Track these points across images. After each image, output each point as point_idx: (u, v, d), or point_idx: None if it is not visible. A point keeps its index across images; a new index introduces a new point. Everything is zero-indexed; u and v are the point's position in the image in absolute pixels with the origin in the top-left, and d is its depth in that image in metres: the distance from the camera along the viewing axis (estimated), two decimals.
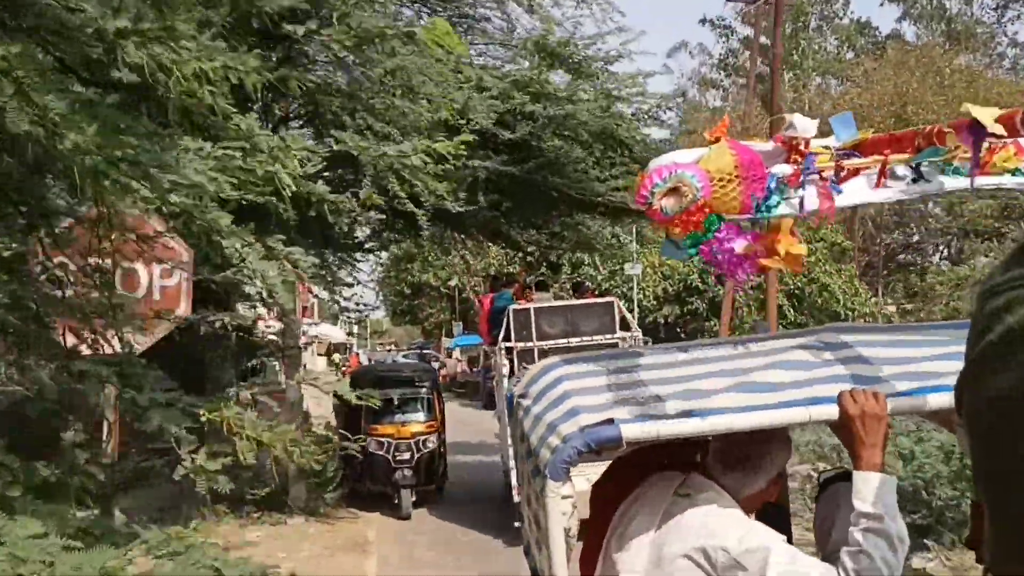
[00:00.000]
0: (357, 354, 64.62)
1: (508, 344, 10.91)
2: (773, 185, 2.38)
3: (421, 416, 13.19)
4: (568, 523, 2.13)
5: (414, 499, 12.48)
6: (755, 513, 2.44)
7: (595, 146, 10.65)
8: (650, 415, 2.12)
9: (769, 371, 2.29)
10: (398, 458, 12.23)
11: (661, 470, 2.50)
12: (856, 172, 2.44)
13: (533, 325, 11.00)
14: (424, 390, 13.53)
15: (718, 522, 2.25)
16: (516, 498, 9.73)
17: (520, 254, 30.65)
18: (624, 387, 2.31)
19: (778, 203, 2.39)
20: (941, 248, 34.55)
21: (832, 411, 2.12)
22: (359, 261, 13.05)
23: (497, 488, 12.38)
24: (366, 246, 12.90)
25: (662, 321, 25.31)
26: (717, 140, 2.44)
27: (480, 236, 13.75)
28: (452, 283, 50.81)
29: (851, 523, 2.12)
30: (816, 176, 2.40)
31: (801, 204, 2.40)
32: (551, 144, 10.47)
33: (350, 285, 13.05)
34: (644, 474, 2.52)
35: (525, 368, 3.24)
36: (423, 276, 52.45)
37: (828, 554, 2.31)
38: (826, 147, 2.46)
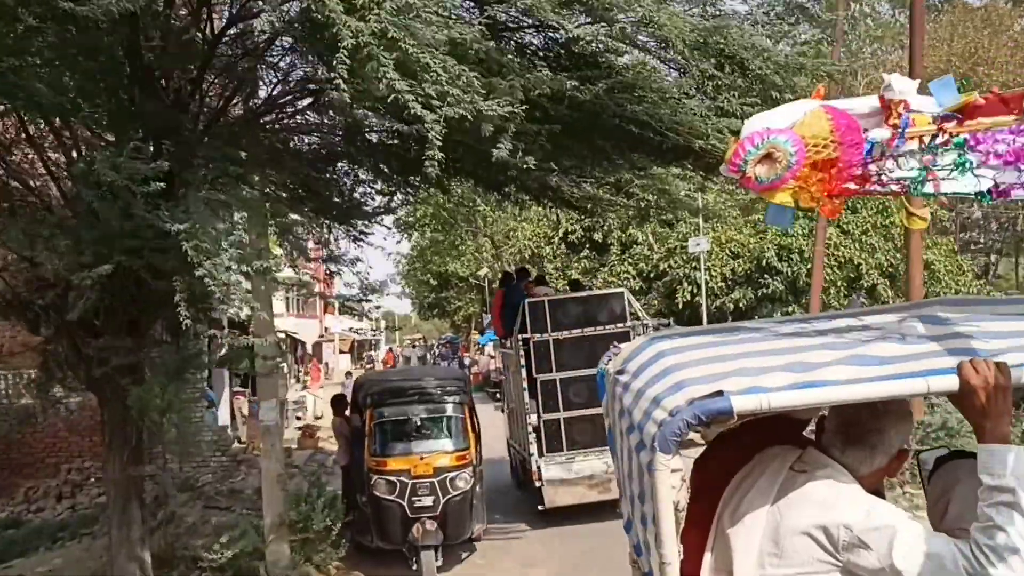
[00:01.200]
0: (390, 349, 61.34)
1: (524, 335, 11.69)
2: (870, 150, 2.32)
3: (448, 444, 10.02)
4: (677, 496, 2.08)
5: (439, 562, 9.25)
6: None
7: (694, 62, 7.29)
8: (759, 387, 2.06)
9: (879, 344, 2.22)
10: (416, 504, 9.15)
11: (768, 446, 2.41)
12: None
13: (548, 317, 11.76)
14: (452, 406, 10.25)
15: (839, 499, 2.17)
16: (537, 483, 11.24)
17: (561, 234, 27.17)
18: (729, 359, 2.24)
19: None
20: None
21: (952, 382, 2.04)
22: (365, 233, 9.83)
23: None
24: (371, 208, 9.69)
25: (731, 307, 21.90)
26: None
27: (522, 193, 10.29)
28: (482, 273, 47.58)
29: (980, 498, 2.02)
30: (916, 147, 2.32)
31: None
32: (629, 58, 7.16)
33: (352, 263, 10.23)
34: (750, 451, 2.42)
35: (616, 347, 2.88)
36: (450, 266, 49.26)
37: (944, 531, 2.22)
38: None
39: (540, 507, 11.54)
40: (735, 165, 2.30)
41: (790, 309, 22.08)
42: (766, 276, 21.81)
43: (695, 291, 22.32)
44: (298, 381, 33.89)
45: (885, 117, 2.34)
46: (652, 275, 23.57)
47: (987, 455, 2.05)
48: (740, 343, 2.38)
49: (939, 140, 2.31)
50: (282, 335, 26.55)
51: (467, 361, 43.70)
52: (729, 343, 2.39)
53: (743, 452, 2.48)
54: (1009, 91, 2.35)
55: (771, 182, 2.28)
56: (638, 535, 2.47)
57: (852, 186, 2.36)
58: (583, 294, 13.29)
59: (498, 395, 31.85)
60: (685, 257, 22.47)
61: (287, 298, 63.90)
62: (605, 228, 25.25)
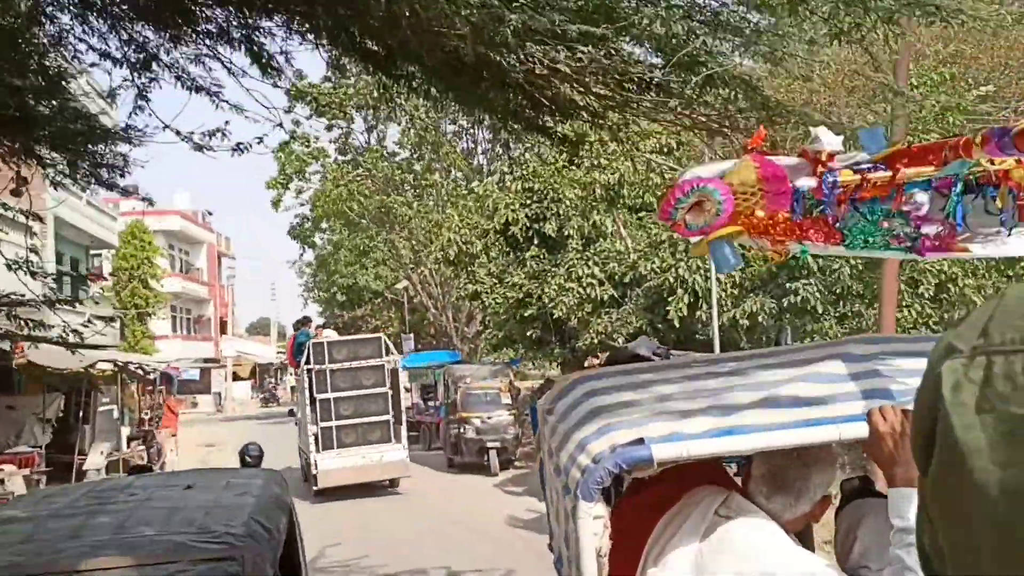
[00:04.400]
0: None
1: (308, 367, 16.93)
2: (797, 199, 2.44)
3: None
4: (599, 543, 2.13)
5: None
6: None
7: None
8: (680, 433, 2.10)
9: (799, 384, 2.26)
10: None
11: (693, 483, 2.45)
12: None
13: (326, 353, 17.09)
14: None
15: (760, 548, 2.20)
16: (314, 472, 16.88)
17: (499, 226, 19.26)
18: (653, 403, 2.28)
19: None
20: None
21: (862, 429, 2.11)
22: None
23: None
24: None
25: (744, 321, 15.40)
26: (751, 150, 2.51)
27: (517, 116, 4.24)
28: (400, 286, 40.42)
29: (891, 541, 2.11)
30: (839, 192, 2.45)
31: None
32: None
33: None
34: (676, 490, 2.45)
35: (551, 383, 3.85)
36: (360, 278, 42.10)
37: (849, 569, 2.36)
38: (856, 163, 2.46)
39: (314, 487, 16.84)
40: (666, 212, 2.43)
41: (826, 325, 15.61)
42: (796, 279, 15.29)
43: (695, 301, 15.61)
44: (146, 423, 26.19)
45: (812, 169, 2.44)
46: (627, 279, 16.72)
47: (897, 499, 2.12)
48: (666, 384, 2.36)
49: (862, 192, 2.45)
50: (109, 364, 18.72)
51: None
52: (655, 384, 2.37)
53: (668, 492, 2.43)
54: (930, 142, 2.55)
55: (700, 228, 2.40)
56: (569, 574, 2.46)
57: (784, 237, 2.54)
58: (352, 337, 19.17)
59: (418, 437, 25.03)
60: (677, 253, 15.78)
61: (174, 317, 56.09)
62: (560, 214, 18.43)
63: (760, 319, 15.71)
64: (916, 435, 0.92)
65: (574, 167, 19.45)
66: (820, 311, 15.58)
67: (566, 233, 18.83)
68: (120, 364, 20.02)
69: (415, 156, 32.89)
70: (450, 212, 22.35)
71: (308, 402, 17.04)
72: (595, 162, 18.64)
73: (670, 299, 16.57)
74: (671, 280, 16.33)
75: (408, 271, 33.79)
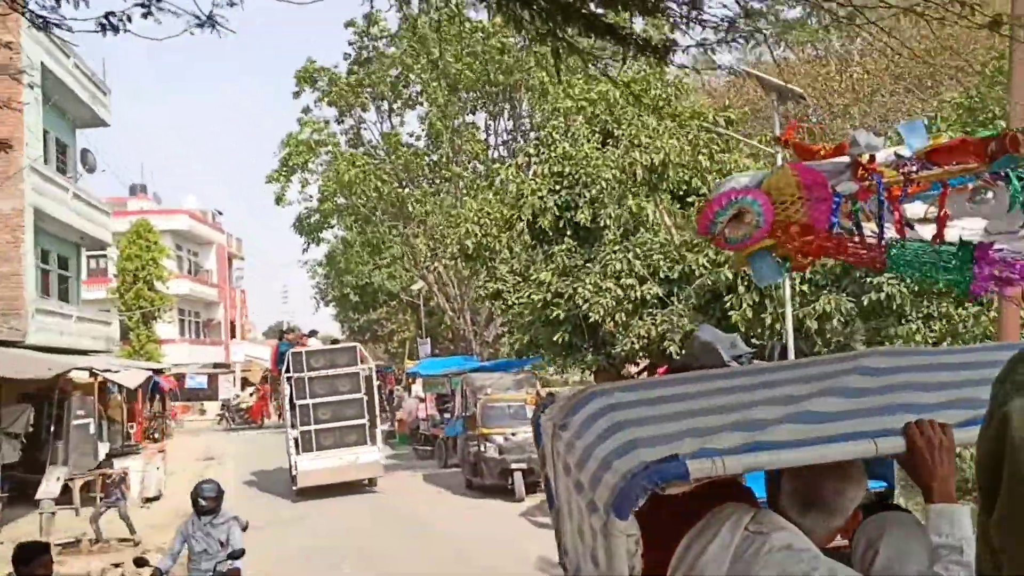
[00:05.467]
0: None
1: (288, 375, 18.21)
2: (839, 205, 2.41)
3: None
4: (633, 561, 2.09)
5: None
6: None
7: None
8: (712, 449, 2.05)
9: (821, 399, 2.25)
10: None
11: (713, 500, 2.41)
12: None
13: (305, 362, 18.31)
14: None
15: (798, 563, 2.14)
16: (293, 472, 18.20)
17: (527, 216, 17.28)
18: (677, 419, 2.25)
19: None
20: None
21: (899, 443, 2.10)
22: None
23: None
24: None
25: (814, 324, 13.12)
26: (786, 143, 2.65)
27: None
28: (416, 287, 38.14)
29: (931, 559, 2.12)
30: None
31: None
32: None
33: None
34: (697, 507, 2.40)
35: (552, 397, 3.11)
36: (375, 277, 39.85)
37: None
38: (898, 155, 2.46)
39: (294, 487, 18.15)
40: (705, 226, 2.41)
41: (911, 328, 13.23)
42: (878, 273, 12.79)
43: (760, 300, 13.20)
44: (146, 438, 24.08)
45: (853, 172, 2.41)
46: (674, 275, 14.30)
47: (936, 516, 2.12)
48: (687, 399, 2.36)
49: (909, 190, 2.42)
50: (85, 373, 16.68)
51: (395, 395, 34.12)
52: (676, 399, 2.36)
53: (690, 509, 2.38)
54: (975, 136, 2.45)
55: (741, 241, 2.40)
56: None
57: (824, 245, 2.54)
58: (329, 347, 20.43)
59: (432, 453, 22.67)
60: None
61: (182, 321, 54.06)
62: (594, 201, 16.09)
63: (834, 321, 13.26)
64: (982, 472, 1.00)
65: (609, 146, 17.06)
66: (907, 311, 13.13)
67: (601, 223, 16.43)
68: (97, 373, 17.82)
69: (432, 146, 30.61)
70: (468, 200, 20.00)
71: (288, 408, 18.73)
72: (634, 141, 16.25)
73: (727, 298, 14.16)
74: (727, 275, 13.91)
75: (424, 270, 31.44)
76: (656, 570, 2.37)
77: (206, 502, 7.99)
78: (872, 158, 2.39)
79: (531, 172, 18.08)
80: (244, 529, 8.43)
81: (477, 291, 21.11)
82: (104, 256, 47.16)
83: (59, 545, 12.75)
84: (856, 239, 2.50)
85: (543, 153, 17.33)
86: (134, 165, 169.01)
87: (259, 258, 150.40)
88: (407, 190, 27.99)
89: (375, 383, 20.00)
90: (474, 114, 31.36)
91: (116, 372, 18.38)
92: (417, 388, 23.28)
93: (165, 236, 46.25)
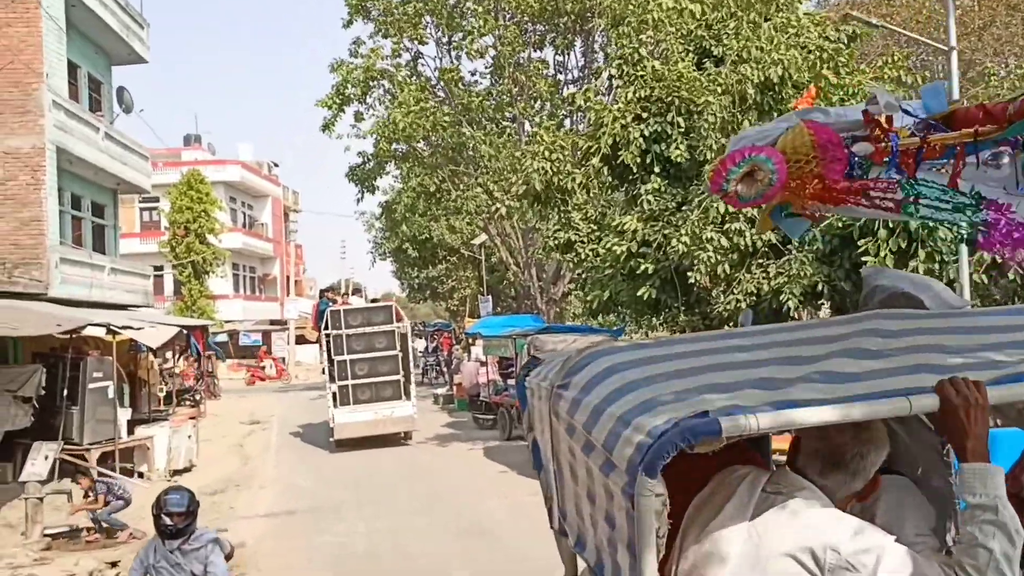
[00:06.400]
0: None
1: (327, 331, 18.79)
2: (855, 164, 2.42)
3: None
4: (659, 521, 1.98)
5: None
6: None
7: None
8: (740, 407, 1.96)
9: (839, 360, 2.20)
10: None
11: (720, 462, 2.36)
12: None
13: (342, 319, 18.92)
14: None
15: (824, 521, 2.12)
16: (331, 425, 18.94)
17: (604, 150, 13.19)
18: (694, 376, 2.18)
19: None
20: None
21: (933, 401, 2.03)
22: None
23: None
24: None
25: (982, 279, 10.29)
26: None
27: None
28: (477, 242, 35.67)
29: (963, 519, 2.06)
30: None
31: None
32: None
33: None
34: (704, 469, 2.36)
35: (537, 359, 3.09)
36: (434, 230, 37.44)
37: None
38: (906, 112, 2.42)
39: (331, 439, 18.85)
40: (717, 184, 2.41)
41: None
42: None
43: (908, 245, 10.44)
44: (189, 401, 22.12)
45: (868, 132, 2.40)
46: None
47: (969, 475, 2.05)
48: (698, 356, 2.31)
49: (924, 152, 2.40)
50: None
51: (454, 357, 31.81)
52: (684, 357, 2.32)
53: (697, 470, 2.34)
54: (992, 102, 2.40)
55: (753, 199, 2.41)
56: (602, 556, 2.37)
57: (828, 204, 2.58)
58: (365, 305, 21.00)
59: (494, 422, 20.29)
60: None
61: (236, 276, 52.49)
62: (692, 131, 13.36)
63: (1010, 274, 10.36)
64: None
65: (711, 62, 14.19)
66: None
67: (700, 157, 13.62)
68: (115, 329, 15.69)
69: (495, 85, 27.84)
70: (539, 132, 17.29)
71: (327, 363, 19.33)
72: (742, 54, 13.35)
73: (861, 243, 11.32)
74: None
75: (485, 221, 28.84)
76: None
77: (172, 520, 5.59)
78: (890, 119, 2.35)
79: (611, 98, 15.27)
80: (229, 556, 6.04)
81: (545, 242, 18.46)
82: (155, 208, 45.72)
83: (49, 536, 10.63)
84: (870, 183, 2.49)
85: (627, 74, 14.51)
86: (187, 114, 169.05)
87: (317, 212, 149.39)
88: (467, 132, 25.32)
89: (411, 341, 21.03)
90: (541, 50, 28.49)
91: (138, 329, 16.28)
92: (477, 350, 20.88)
93: (218, 188, 44.50)
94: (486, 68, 28.88)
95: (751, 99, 13.02)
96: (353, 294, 23.38)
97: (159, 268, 45.01)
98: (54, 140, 19.49)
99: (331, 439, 18.92)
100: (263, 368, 42.97)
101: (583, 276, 18.18)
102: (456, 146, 26.13)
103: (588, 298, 15.60)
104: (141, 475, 15.95)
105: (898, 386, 2.04)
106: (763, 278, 12.42)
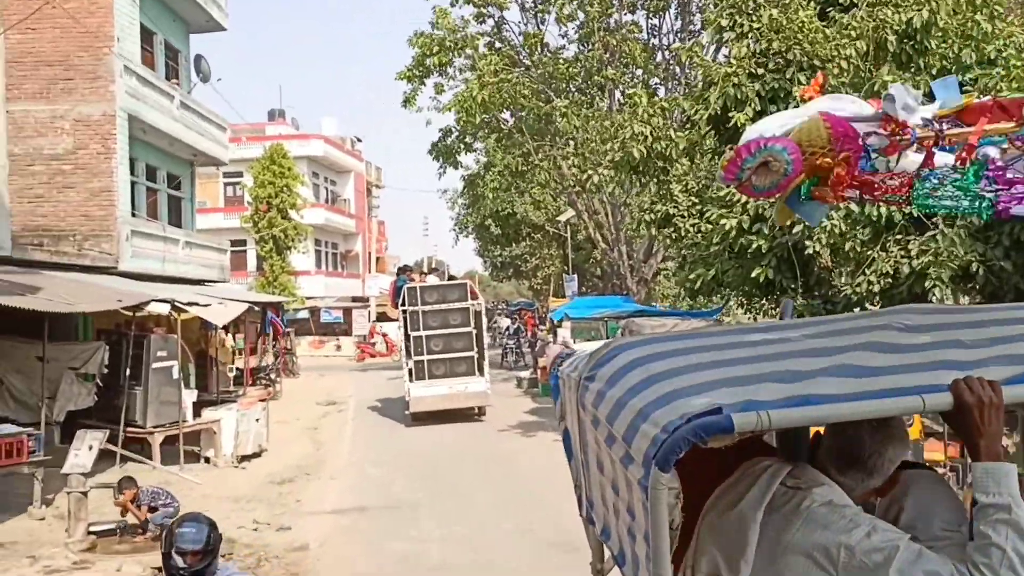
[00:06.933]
0: None
1: (404, 308, 19.27)
2: (869, 155, 2.46)
3: None
4: (673, 514, 2.06)
5: None
6: None
7: None
8: (755, 401, 1.98)
9: (860, 353, 2.17)
10: None
11: (743, 454, 2.39)
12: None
13: (419, 296, 19.29)
14: None
15: (839, 519, 2.12)
16: (407, 398, 19.42)
17: (712, 109, 10.03)
18: (714, 367, 2.18)
19: None
20: None
21: (946, 400, 2.03)
22: None
23: None
24: None
25: None
26: (809, 99, 2.59)
27: None
28: (563, 218, 34.16)
29: (976, 517, 2.05)
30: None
31: None
32: None
33: None
34: (727, 461, 2.37)
35: (569, 349, 4.11)
36: (518, 207, 36.06)
37: None
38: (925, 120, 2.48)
39: (406, 411, 19.46)
40: (732, 173, 2.43)
41: None
42: None
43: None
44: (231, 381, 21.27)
45: (884, 126, 2.42)
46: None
47: (982, 473, 2.06)
48: (722, 349, 2.31)
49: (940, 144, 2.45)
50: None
51: (539, 338, 30.39)
52: (710, 349, 2.31)
53: (720, 461, 2.35)
54: (1008, 98, 2.54)
55: (768, 190, 2.44)
56: (623, 546, 2.45)
57: (851, 193, 2.60)
58: (441, 283, 21.03)
59: None
60: None
61: (318, 252, 52.08)
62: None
63: None
64: None
65: (837, 10, 12.36)
66: None
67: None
68: (180, 306, 14.75)
69: (584, 51, 26.19)
70: (635, 92, 15.70)
71: (404, 339, 19.89)
72: None
73: None
74: None
75: (572, 196, 27.27)
76: (685, 520, 2.30)
77: (186, 561, 4.27)
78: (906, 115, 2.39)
79: (715, 57, 13.55)
80: None
81: (639, 217, 16.88)
82: (239, 183, 45.46)
83: (94, 533, 9.65)
84: (883, 174, 2.53)
85: (740, 25, 12.77)
86: (269, 88, 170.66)
87: (400, 188, 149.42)
88: (553, 102, 23.75)
89: (484, 319, 21.49)
90: (633, 13, 26.70)
91: (205, 306, 15.35)
92: (564, 332, 19.46)
93: (300, 162, 43.92)
94: (574, 33, 27.28)
95: (891, 47, 11.17)
96: (431, 272, 23.23)
97: (242, 243, 44.85)
98: (125, 107, 18.71)
99: (407, 412, 19.45)
100: (373, 344, 42.24)
101: (682, 254, 16.54)
102: (542, 116, 24.59)
103: (691, 277, 13.98)
104: (207, 460, 15.05)
105: (916, 383, 2.02)
106: (902, 257, 10.64)
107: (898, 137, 2.40)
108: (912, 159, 2.49)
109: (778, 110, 12.34)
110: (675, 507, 2.07)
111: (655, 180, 14.83)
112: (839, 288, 11.92)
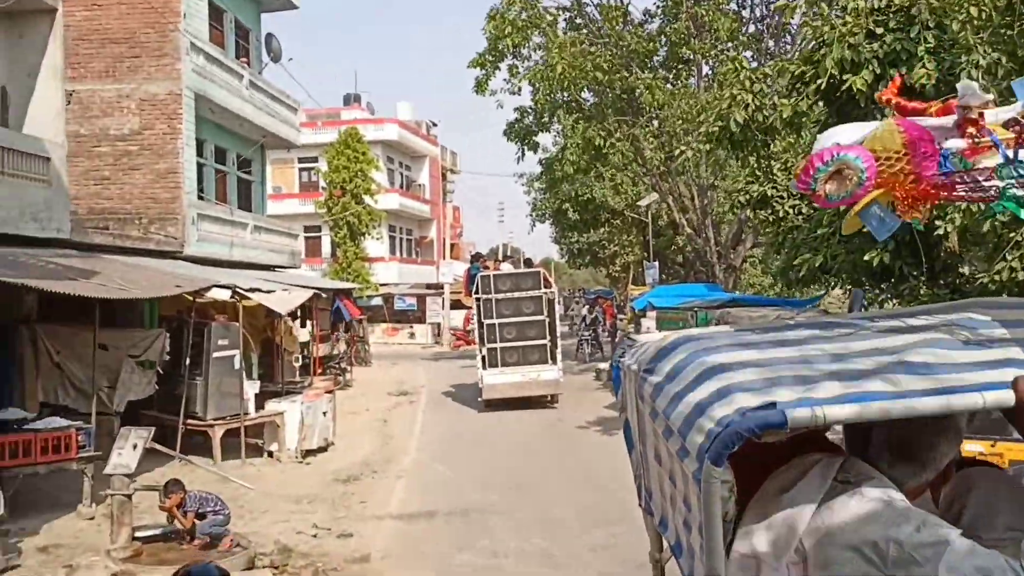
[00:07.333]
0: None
1: (477, 296, 19.32)
2: (947, 160, 2.36)
3: None
4: (727, 507, 2.09)
5: None
6: None
7: None
8: (811, 398, 1.98)
9: (924, 350, 2.11)
10: None
11: (803, 446, 2.36)
12: None
13: (492, 284, 19.41)
14: None
15: (889, 513, 2.06)
16: (480, 386, 19.63)
17: (829, 74, 7.12)
18: (774, 365, 2.16)
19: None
20: None
21: (1008, 397, 1.98)
22: None
23: None
24: None
25: None
26: (888, 101, 2.57)
27: None
28: (644, 203, 32.71)
29: (1021, 514, 2.08)
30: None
31: None
32: None
33: None
34: (781, 452, 2.34)
35: (631, 339, 3.27)
36: (596, 191, 34.72)
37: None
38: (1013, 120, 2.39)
39: (479, 398, 19.46)
40: (804, 183, 2.38)
41: None
42: None
43: None
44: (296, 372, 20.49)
45: (960, 127, 2.34)
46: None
47: None
48: (783, 346, 2.26)
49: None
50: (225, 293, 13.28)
51: (619, 329, 29.16)
52: (771, 346, 2.28)
53: (778, 455, 2.32)
54: None
55: (842, 199, 2.35)
56: (680, 537, 2.48)
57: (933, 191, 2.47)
58: (514, 271, 20.85)
59: None
60: None
61: (392, 238, 51.51)
62: (940, 44, 10.27)
63: None
64: None
65: None
66: None
67: (955, 79, 10.30)
68: (241, 292, 13.95)
69: (668, 24, 24.72)
70: (737, 57, 14.29)
71: (477, 327, 19.96)
72: None
73: None
74: None
75: (656, 179, 25.84)
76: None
77: None
78: (981, 115, 2.33)
79: (833, 13, 12.06)
80: None
81: (734, 198, 15.46)
82: (314, 168, 45.11)
83: (139, 539, 8.83)
84: (966, 175, 2.43)
85: None
86: (344, 73, 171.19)
87: (475, 172, 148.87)
88: (636, 76, 22.33)
89: (559, 307, 21.92)
90: None
91: (268, 292, 14.56)
92: (649, 323, 18.19)
93: (375, 147, 43.35)
94: (656, 6, 25.81)
95: None
96: (505, 260, 23.02)
97: (317, 229, 44.52)
98: (192, 86, 18.05)
99: (479, 399, 19.54)
100: (469, 332, 41.45)
101: (779, 239, 15.11)
102: (624, 91, 23.21)
103: (794, 263, 12.57)
104: (271, 454, 14.27)
105: (978, 380, 1.98)
106: None
107: (976, 140, 2.31)
108: (991, 163, 2.38)
109: (907, 79, 10.92)
110: (729, 500, 2.09)
111: (755, 155, 13.42)
112: (970, 276, 10.43)
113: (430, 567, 9.10)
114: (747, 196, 15.00)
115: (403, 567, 9.17)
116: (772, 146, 13.03)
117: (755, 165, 14.66)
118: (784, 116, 11.95)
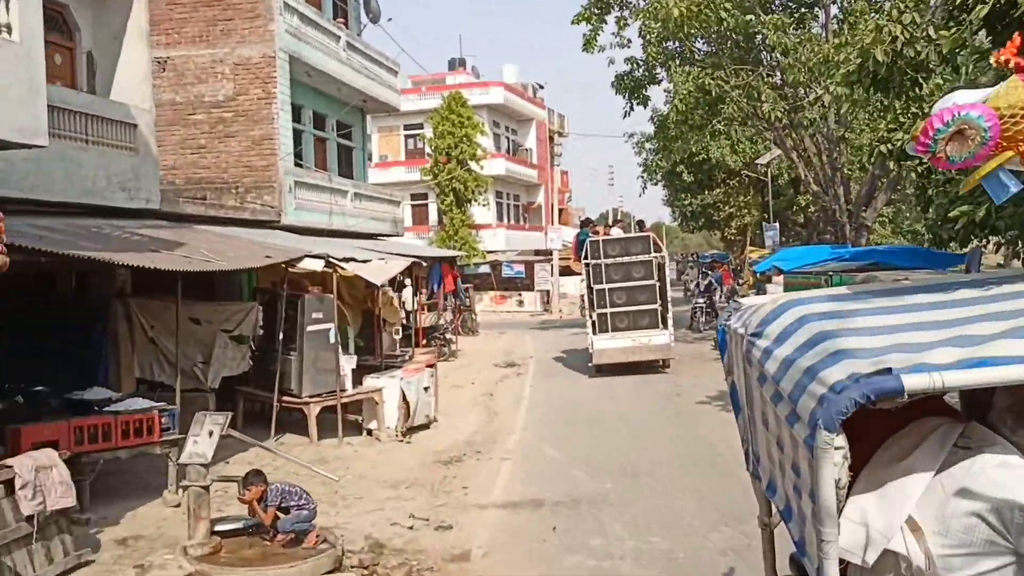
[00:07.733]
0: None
1: (587, 261, 19.25)
2: None
3: None
4: (839, 473, 2.02)
5: None
6: None
7: None
8: (927, 364, 1.92)
9: None
10: None
11: (920, 411, 2.33)
12: None
13: (601, 250, 19.28)
14: None
15: (1014, 480, 2.03)
16: (591, 351, 19.45)
17: None
18: (887, 331, 2.14)
19: None
20: None
21: None
22: None
23: None
24: None
25: None
26: (1007, 63, 2.34)
27: None
28: (762, 161, 30.72)
29: None
30: None
31: None
32: None
33: None
34: (899, 415, 2.32)
35: (737, 303, 3.15)
36: (713, 151, 32.86)
37: None
38: None
39: (590, 364, 19.55)
40: (924, 145, 2.26)
41: None
42: None
43: None
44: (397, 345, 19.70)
45: None
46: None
47: None
48: (894, 312, 2.23)
49: None
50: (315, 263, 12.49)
51: (737, 294, 27.37)
52: (882, 311, 2.24)
53: (893, 421, 2.32)
54: None
55: (964, 160, 2.24)
56: (790, 502, 2.39)
57: None
58: (623, 236, 20.43)
59: None
60: None
61: (499, 204, 50.55)
62: None
63: None
64: None
65: None
66: None
67: None
68: (334, 262, 13.16)
69: None
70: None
71: (587, 292, 19.90)
72: None
73: None
74: None
75: (778, 132, 23.96)
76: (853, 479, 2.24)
77: None
78: None
79: None
80: None
81: (874, 148, 13.73)
82: (419, 135, 44.49)
83: (218, 533, 8.10)
84: None
85: None
86: (452, 40, 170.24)
87: (584, 135, 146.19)
88: (759, 19, 20.50)
89: (669, 272, 21.76)
90: None
91: (364, 262, 13.75)
92: (776, 288, 16.63)
93: (480, 112, 42.37)
94: None
95: None
96: (614, 225, 23.36)
97: (423, 197, 43.99)
98: (286, 48, 17.34)
99: (590, 364, 19.58)
100: None
101: (927, 193, 13.35)
102: (745, 36, 21.43)
103: (950, 215, 10.90)
104: (370, 433, 13.53)
105: None
106: None
107: None
108: None
109: None
110: (842, 466, 2.02)
111: (905, 96, 11.72)
112: None
113: (535, 570, 8.07)
114: (888, 146, 13.28)
115: (505, 567, 8.17)
116: (925, 85, 11.30)
117: (899, 111, 12.92)
118: (943, 51, 10.23)
